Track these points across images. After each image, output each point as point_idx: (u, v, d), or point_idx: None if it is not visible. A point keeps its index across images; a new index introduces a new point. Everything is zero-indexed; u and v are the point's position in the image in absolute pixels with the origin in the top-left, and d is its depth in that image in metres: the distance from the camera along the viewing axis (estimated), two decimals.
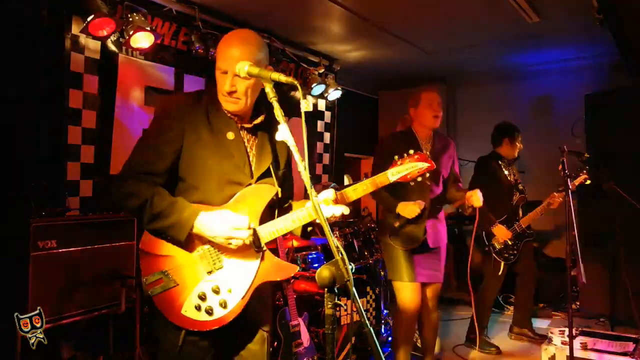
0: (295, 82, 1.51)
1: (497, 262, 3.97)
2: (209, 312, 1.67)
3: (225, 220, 1.64)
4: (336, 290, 1.43)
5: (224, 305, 1.69)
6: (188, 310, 1.65)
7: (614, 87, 5.07)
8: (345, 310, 3.47)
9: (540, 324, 4.74)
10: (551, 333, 3.47)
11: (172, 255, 1.67)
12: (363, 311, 1.40)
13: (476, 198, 2.96)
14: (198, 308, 1.66)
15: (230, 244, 1.66)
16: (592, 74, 5.65)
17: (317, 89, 5.42)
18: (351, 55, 5.81)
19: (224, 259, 1.72)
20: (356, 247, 4.04)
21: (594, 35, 4.77)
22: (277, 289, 3.55)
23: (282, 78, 1.56)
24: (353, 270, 1.41)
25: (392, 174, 1.90)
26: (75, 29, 3.46)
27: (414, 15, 4.55)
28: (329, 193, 1.84)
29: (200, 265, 1.69)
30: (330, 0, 4.12)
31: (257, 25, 4.75)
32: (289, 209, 1.93)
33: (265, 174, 1.85)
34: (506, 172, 4.16)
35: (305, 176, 1.44)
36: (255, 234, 1.72)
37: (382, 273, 4.02)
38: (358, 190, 1.88)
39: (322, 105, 6.04)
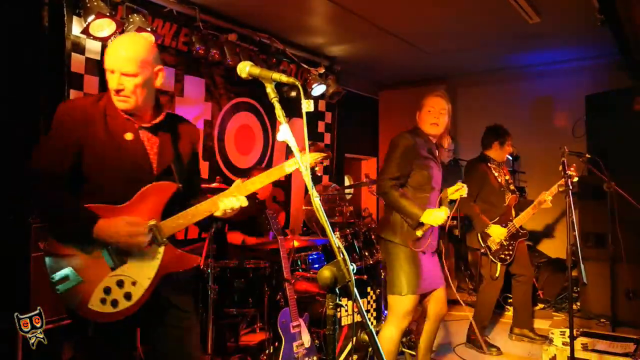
0: (297, 82, 1.51)
1: (494, 263, 3.97)
2: (114, 304, 1.76)
3: (122, 227, 1.75)
4: (337, 291, 1.43)
5: (128, 297, 1.78)
6: (94, 304, 1.74)
7: (615, 87, 5.06)
8: (346, 310, 3.47)
9: (541, 324, 4.73)
10: (552, 334, 3.47)
11: (75, 254, 1.75)
12: (364, 312, 1.40)
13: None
14: (103, 301, 1.75)
15: (131, 246, 1.77)
16: (593, 74, 5.64)
17: (318, 89, 5.42)
18: (352, 56, 5.82)
19: (127, 254, 1.81)
20: (357, 247, 4.04)
21: (594, 36, 4.78)
22: (278, 290, 3.55)
23: (283, 78, 1.55)
24: (354, 271, 1.41)
25: (289, 166, 1.92)
26: (75, 30, 3.46)
27: (415, 16, 4.55)
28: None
29: (104, 262, 1.78)
30: (331, 0, 4.12)
31: (258, 25, 4.76)
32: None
33: (167, 172, 1.92)
34: (496, 174, 4.14)
35: (307, 177, 1.44)
36: (156, 229, 1.82)
37: (383, 274, 4.02)
38: (256, 183, 1.93)
39: (322, 105, 6.05)
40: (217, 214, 1.89)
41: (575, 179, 3.65)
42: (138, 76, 1.81)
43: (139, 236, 1.76)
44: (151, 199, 1.84)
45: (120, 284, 1.77)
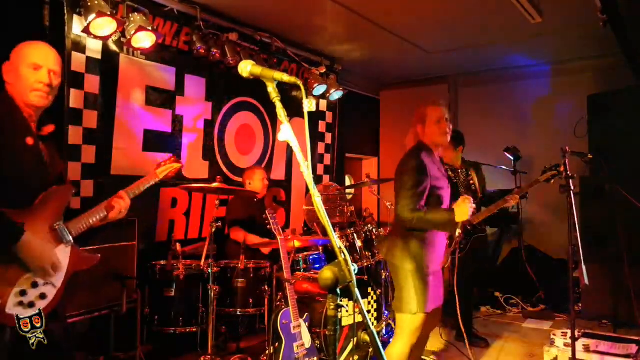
0: (299, 82, 1.50)
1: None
2: (31, 305, 1.78)
3: (49, 258, 1.80)
4: (338, 292, 1.42)
5: (43, 297, 1.82)
6: (12, 307, 1.74)
7: (617, 87, 5.05)
8: (347, 311, 3.46)
9: (542, 325, 4.73)
10: (553, 335, 3.46)
11: None
12: (365, 312, 1.39)
13: (463, 210, 2.89)
14: (22, 304, 1.76)
15: (42, 275, 1.80)
16: (595, 74, 5.63)
17: (319, 89, 5.41)
18: (353, 56, 5.81)
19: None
20: (358, 248, 4.03)
21: (596, 36, 4.76)
22: (279, 290, 3.54)
23: (284, 78, 1.54)
24: (355, 272, 1.40)
25: (160, 172, 2.32)
26: (76, 29, 3.46)
27: (416, 15, 4.54)
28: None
29: (16, 266, 1.76)
30: (332, 0, 4.11)
31: (259, 25, 4.75)
32: None
33: (59, 179, 2.01)
34: (452, 175, 4.10)
35: (308, 177, 1.43)
36: (64, 229, 1.90)
37: (384, 274, 4.01)
38: (141, 187, 2.19)
39: (323, 105, 6.04)
40: (111, 215, 2.04)
41: (552, 181, 3.63)
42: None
43: (47, 275, 1.81)
44: (52, 202, 1.90)
45: (34, 285, 1.79)
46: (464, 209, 2.55)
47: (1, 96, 1.91)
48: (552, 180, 3.62)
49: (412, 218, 2.57)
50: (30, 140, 1.87)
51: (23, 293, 1.76)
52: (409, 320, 2.70)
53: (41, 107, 1.93)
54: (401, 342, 2.73)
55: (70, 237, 1.92)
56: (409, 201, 2.60)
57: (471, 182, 4.23)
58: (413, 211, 2.57)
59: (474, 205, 2.59)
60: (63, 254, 1.90)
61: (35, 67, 1.88)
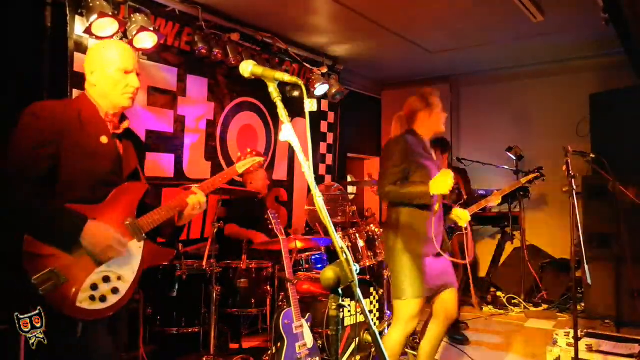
0: (300, 82, 1.50)
1: None
2: (103, 299, 1.78)
3: (109, 235, 1.78)
4: (340, 292, 1.42)
5: (115, 291, 1.81)
6: (83, 301, 1.74)
7: (620, 86, 5.04)
8: (349, 311, 3.46)
9: (545, 325, 4.72)
10: (556, 335, 3.45)
11: (57, 254, 1.73)
12: (367, 312, 1.38)
13: (465, 217, 2.90)
14: (92, 298, 1.76)
15: (107, 255, 1.79)
16: (597, 73, 5.62)
17: (320, 89, 5.41)
18: (354, 55, 5.81)
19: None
20: (359, 248, 4.02)
21: (599, 34, 4.75)
22: (281, 290, 3.54)
23: (286, 78, 1.54)
24: (357, 272, 1.40)
25: (239, 167, 2.27)
26: (78, 30, 3.46)
27: (418, 15, 4.53)
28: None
29: (88, 259, 1.78)
30: (333, 0, 4.11)
31: (260, 25, 4.75)
32: None
33: (134, 175, 2.03)
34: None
35: (310, 177, 1.43)
36: (135, 225, 1.91)
37: (386, 274, 4.00)
38: (215, 183, 2.20)
39: (325, 105, 6.04)
40: (186, 211, 2.04)
41: (536, 181, 3.64)
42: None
43: (116, 250, 1.81)
44: (124, 198, 1.92)
45: (106, 279, 1.80)
46: (440, 181, 2.55)
47: (81, 98, 1.97)
48: (536, 182, 3.62)
49: (388, 192, 2.69)
50: (104, 139, 1.90)
51: (94, 287, 1.77)
52: (400, 306, 2.70)
53: (127, 108, 2.00)
54: (395, 330, 2.73)
55: (143, 233, 1.92)
56: (387, 177, 2.72)
57: (455, 185, 4.23)
58: (385, 185, 2.71)
59: (453, 181, 2.59)
60: (135, 250, 1.91)
61: (127, 72, 1.94)
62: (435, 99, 2.89)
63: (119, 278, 1.83)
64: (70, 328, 1.75)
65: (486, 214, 5.53)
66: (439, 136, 3.00)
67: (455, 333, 4.15)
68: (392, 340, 2.73)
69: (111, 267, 1.82)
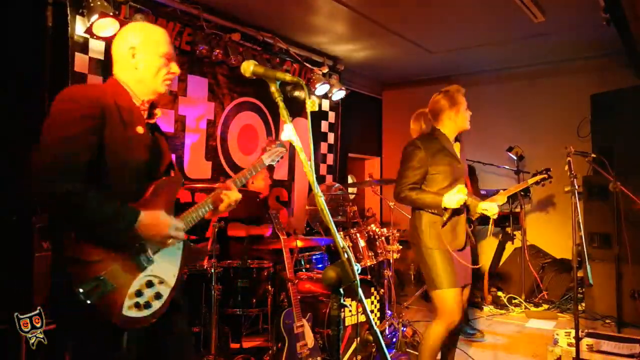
0: (301, 82, 1.50)
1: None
2: (148, 306, 1.68)
3: (165, 223, 1.70)
4: (341, 291, 1.42)
5: (158, 297, 1.72)
6: (128, 309, 1.62)
7: (621, 86, 5.03)
8: (350, 311, 3.46)
9: (546, 325, 4.71)
10: (557, 335, 3.45)
11: (103, 259, 1.60)
12: (368, 312, 1.38)
13: (493, 210, 2.92)
14: (138, 305, 1.65)
15: (166, 243, 1.72)
16: (598, 73, 5.61)
17: (321, 89, 5.41)
18: (355, 55, 5.81)
19: (151, 253, 1.74)
20: (360, 247, 4.03)
21: (600, 34, 4.75)
22: (282, 290, 3.54)
23: (287, 77, 1.54)
24: (358, 271, 1.40)
25: (266, 159, 2.19)
26: (79, 30, 3.47)
27: (419, 15, 4.53)
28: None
29: (132, 263, 1.67)
30: (334, 0, 4.11)
31: (261, 25, 4.75)
32: None
33: (170, 167, 1.92)
34: None
35: (311, 177, 1.43)
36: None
37: (387, 274, 4.01)
38: (247, 175, 2.10)
39: (326, 105, 6.04)
40: (221, 207, 1.95)
41: (543, 184, 3.64)
42: None
43: (180, 232, 1.74)
44: (163, 195, 1.80)
45: (149, 284, 1.69)
46: (451, 198, 2.70)
47: (112, 84, 1.80)
48: (542, 184, 3.62)
49: (403, 197, 2.83)
50: (140, 129, 1.76)
51: (139, 293, 1.66)
52: (443, 296, 2.79)
53: (162, 95, 1.90)
54: (438, 323, 2.82)
55: (182, 233, 1.81)
56: (403, 181, 2.85)
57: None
58: (403, 189, 2.83)
59: (465, 197, 2.71)
60: (175, 251, 1.83)
61: (168, 57, 1.85)
62: (461, 97, 2.94)
63: (161, 282, 1.74)
64: (116, 338, 1.63)
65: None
66: (466, 129, 3.03)
67: (468, 327, 4.14)
68: (434, 332, 2.81)
69: (154, 271, 1.72)
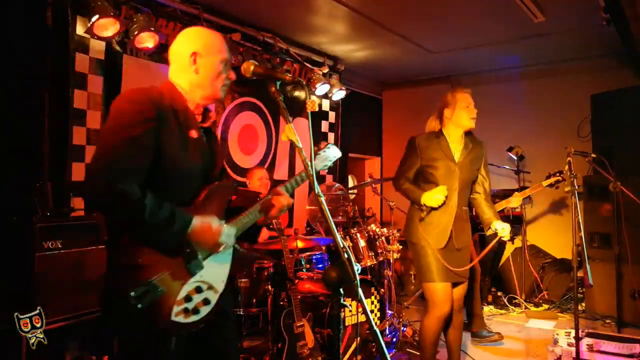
0: (302, 81, 1.52)
1: None
2: (196, 311, 1.68)
3: (217, 230, 1.69)
4: (342, 291, 1.42)
5: (207, 302, 1.72)
6: (178, 314, 1.63)
7: (621, 86, 5.04)
8: (350, 311, 3.46)
9: (546, 325, 4.72)
10: (557, 334, 3.45)
11: (155, 264, 1.61)
12: (368, 312, 1.39)
13: (506, 236, 2.95)
14: (186, 310, 1.65)
15: (216, 250, 1.72)
16: (599, 73, 5.61)
17: (322, 89, 5.41)
18: (355, 55, 5.81)
19: (202, 258, 1.73)
20: (361, 247, 4.03)
21: (600, 34, 4.75)
22: (282, 290, 3.55)
23: (287, 78, 1.56)
24: (358, 271, 1.40)
25: (318, 164, 2.13)
26: (80, 30, 3.47)
27: (419, 15, 4.54)
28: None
29: (182, 269, 1.67)
30: (334, 0, 4.12)
31: (261, 25, 4.76)
32: None
33: (222, 171, 1.94)
34: None
35: (311, 177, 1.43)
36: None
37: (388, 274, 4.01)
38: (298, 180, 2.05)
39: (326, 105, 6.04)
40: (272, 212, 1.93)
41: (558, 186, 3.66)
42: None
43: (231, 238, 1.75)
44: (215, 200, 1.79)
45: (198, 290, 1.70)
46: (431, 196, 2.87)
47: (167, 87, 1.80)
48: (557, 186, 3.63)
49: (398, 185, 3.05)
50: (194, 133, 1.76)
51: (188, 299, 1.66)
52: (432, 289, 2.92)
53: (219, 100, 1.90)
54: (428, 316, 2.96)
55: (233, 239, 1.81)
56: (400, 171, 3.07)
57: None
58: (397, 178, 3.05)
59: (442, 199, 2.86)
60: (225, 256, 1.82)
61: (227, 63, 1.84)
62: (460, 95, 2.99)
63: (209, 288, 1.74)
64: (164, 342, 1.64)
65: None
66: (470, 128, 3.05)
67: (484, 330, 4.14)
68: (427, 325, 2.95)
69: (203, 277, 1.72)
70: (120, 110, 1.63)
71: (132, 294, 1.54)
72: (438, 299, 2.90)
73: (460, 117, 2.98)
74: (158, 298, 1.58)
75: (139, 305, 1.54)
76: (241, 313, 3.57)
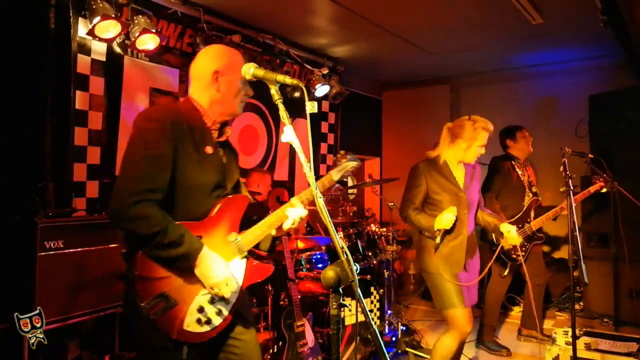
0: (301, 84, 1.54)
1: (504, 262, 3.93)
2: (209, 322, 1.73)
3: (218, 274, 1.71)
4: (341, 291, 1.44)
5: (219, 313, 1.77)
6: (190, 325, 1.69)
7: (618, 87, 5.06)
8: (350, 310, 3.48)
9: (544, 324, 4.74)
10: (555, 333, 3.48)
11: (169, 276, 1.69)
12: (368, 312, 1.41)
13: (512, 237, 2.97)
14: (199, 321, 1.71)
15: (212, 290, 1.73)
16: (596, 74, 5.63)
17: (321, 90, 5.43)
18: (355, 57, 5.83)
19: None
20: (360, 247, 4.05)
21: (597, 36, 4.77)
22: (282, 290, 3.57)
23: (287, 80, 1.57)
24: (358, 271, 1.42)
25: (335, 174, 2.06)
26: (81, 31, 3.49)
27: (418, 16, 4.56)
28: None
29: (195, 281, 1.73)
30: (334, 1, 4.13)
31: (261, 26, 4.77)
32: None
33: (236, 186, 1.97)
34: (519, 172, 4.18)
35: (311, 178, 1.45)
36: (239, 242, 1.84)
37: (387, 274, 4.03)
38: (308, 193, 1.97)
39: (326, 106, 6.06)
40: (285, 226, 1.90)
41: (604, 190, 3.70)
42: None
43: (226, 288, 1.74)
44: (229, 213, 1.84)
45: (211, 301, 1.75)
46: (441, 219, 2.78)
47: (186, 104, 1.86)
48: (605, 190, 3.66)
49: (405, 216, 2.97)
50: (209, 149, 1.82)
51: (201, 309, 1.72)
52: (454, 314, 2.88)
53: (237, 116, 1.94)
54: (449, 336, 2.93)
55: (246, 250, 1.86)
56: (406, 200, 3.00)
57: (532, 183, 4.28)
58: (405, 209, 2.97)
59: (453, 218, 2.77)
60: (238, 268, 1.84)
61: (244, 81, 1.86)
62: (480, 134, 2.89)
63: (222, 299, 1.76)
64: (175, 352, 1.69)
65: None
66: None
67: (492, 342, 4.14)
68: (446, 343, 2.91)
69: (214, 289, 1.75)
70: (143, 128, 1.72)
71: (145, 305, 1.61)
72: (460, 323, 2.87)
73: (469, 154, 2.93)
74: (171, 309, 1.65)
75: (153, 317, 1.61)
76: None
